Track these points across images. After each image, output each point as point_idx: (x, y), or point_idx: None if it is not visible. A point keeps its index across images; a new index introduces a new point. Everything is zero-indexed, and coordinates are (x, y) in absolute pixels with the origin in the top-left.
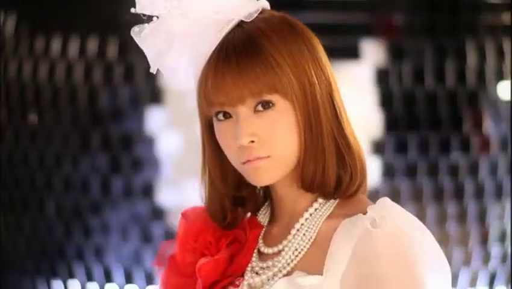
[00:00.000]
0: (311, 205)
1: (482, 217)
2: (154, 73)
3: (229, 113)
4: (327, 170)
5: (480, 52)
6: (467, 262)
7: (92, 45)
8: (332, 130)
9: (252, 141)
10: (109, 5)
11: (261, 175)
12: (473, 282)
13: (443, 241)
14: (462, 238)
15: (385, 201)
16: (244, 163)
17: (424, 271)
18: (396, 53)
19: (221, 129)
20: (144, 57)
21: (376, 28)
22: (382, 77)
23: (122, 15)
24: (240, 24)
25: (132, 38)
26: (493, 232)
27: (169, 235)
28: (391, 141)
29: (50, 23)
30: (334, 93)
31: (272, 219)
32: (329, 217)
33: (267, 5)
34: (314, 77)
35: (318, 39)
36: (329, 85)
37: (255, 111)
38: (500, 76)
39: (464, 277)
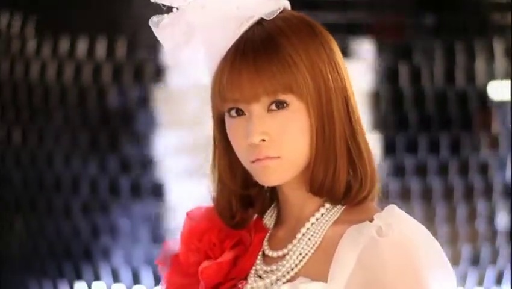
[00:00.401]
0: (318, 210)
1: (490, 216)
2: (172, 65)
3: (242, 110)
4: (338, 175)
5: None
6: (475, 261)
7: (100, 45)
8: (345, 134)
9: (263, 140)
10: (116, 5)
11: (269, 175)
12: (481, 280)
13: (453, 239)
14: (472, 236)
15: (393, 209)
16: (253, 162)
17: (431, 280)
18: (403, 52)
19: (233, 126)
20: (153, 56)
21: (377, 28)
22: (391, 78)
23: (130, 15)
24: (260, 21)
25: (139, 38)
26: (501, 231)
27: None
28: (401, 143)
29: (58, 23)
30: (349, 97)
31: (278, 222)
32: (335, 222)
33: (288, 5)
34: (330, 80)
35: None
36: (345, 90)
37: (269, 110)
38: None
39: (472, 276)
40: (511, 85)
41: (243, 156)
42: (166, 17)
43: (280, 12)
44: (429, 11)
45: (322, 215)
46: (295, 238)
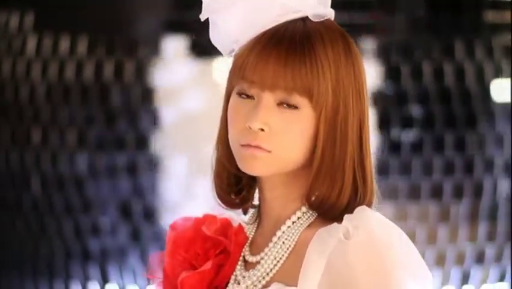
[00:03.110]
0: (295, 213)
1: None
2: (202, 20)
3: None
4: (343, 196)
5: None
6: (479, 259)
7: (101, 44)
8: (354, 157)
9: (262, 130)
10: (119, 4)
11: (254, 164)
12: (484, 279)
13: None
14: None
15: (363, 210)
16: (243, 146)
17: (402, 281)
18: (403, 51)
19: (237, 105)
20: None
21: (376, 27)
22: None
23: (131, 15)
24: (304, 19)
25: (140, 37)
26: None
27: None
28: (407, 140)
29: (58, 21)
30: (364, 123)
31: (259, 226)
32: (310, 225)
33: (333, 15)
34: (351, 102)
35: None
36: (363, 114)
37: (278, 104)
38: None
39: (476, 275)
40: (511, 85)
41: (235, 137)
42: None
43: (325, 20)
44: (431, 9)
45: (298, 218)
46: (271, 241)
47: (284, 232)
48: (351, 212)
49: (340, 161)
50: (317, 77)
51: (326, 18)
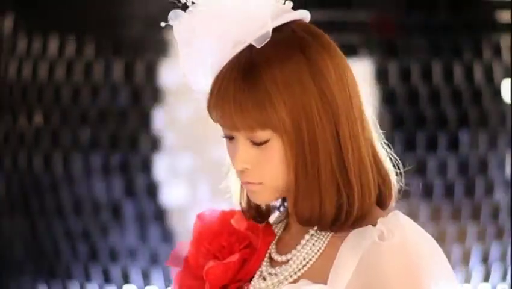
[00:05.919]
0: None
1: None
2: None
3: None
4: (324, 208)
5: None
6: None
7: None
8: (332, 165)
9: (247, 168)
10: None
11: (256, 197)
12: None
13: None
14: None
15: (397, 215)
16: (243, 182)
17: (432, 284)
18: (400, 50)
19: (227, 146)
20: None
21: (373, 25)
22: (384, 75)
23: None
24: (251, 46)
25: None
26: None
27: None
28: (398, 139)
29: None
30: (340, 127)
31: (287, 225)
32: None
33: (307, 17)
34: (316, 112)
35: (346, 62)
36: (336, 118)
37: (251, 141)
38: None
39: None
40: (511, 85)
41: (236, 175)
42: (181, 14)
43: (286, 28)
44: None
45: None
46: (299, 243)
47: (312, 235)
48: (344, 218)
49: (315, 174)
50: (264, 109)
51: (268, 39)
